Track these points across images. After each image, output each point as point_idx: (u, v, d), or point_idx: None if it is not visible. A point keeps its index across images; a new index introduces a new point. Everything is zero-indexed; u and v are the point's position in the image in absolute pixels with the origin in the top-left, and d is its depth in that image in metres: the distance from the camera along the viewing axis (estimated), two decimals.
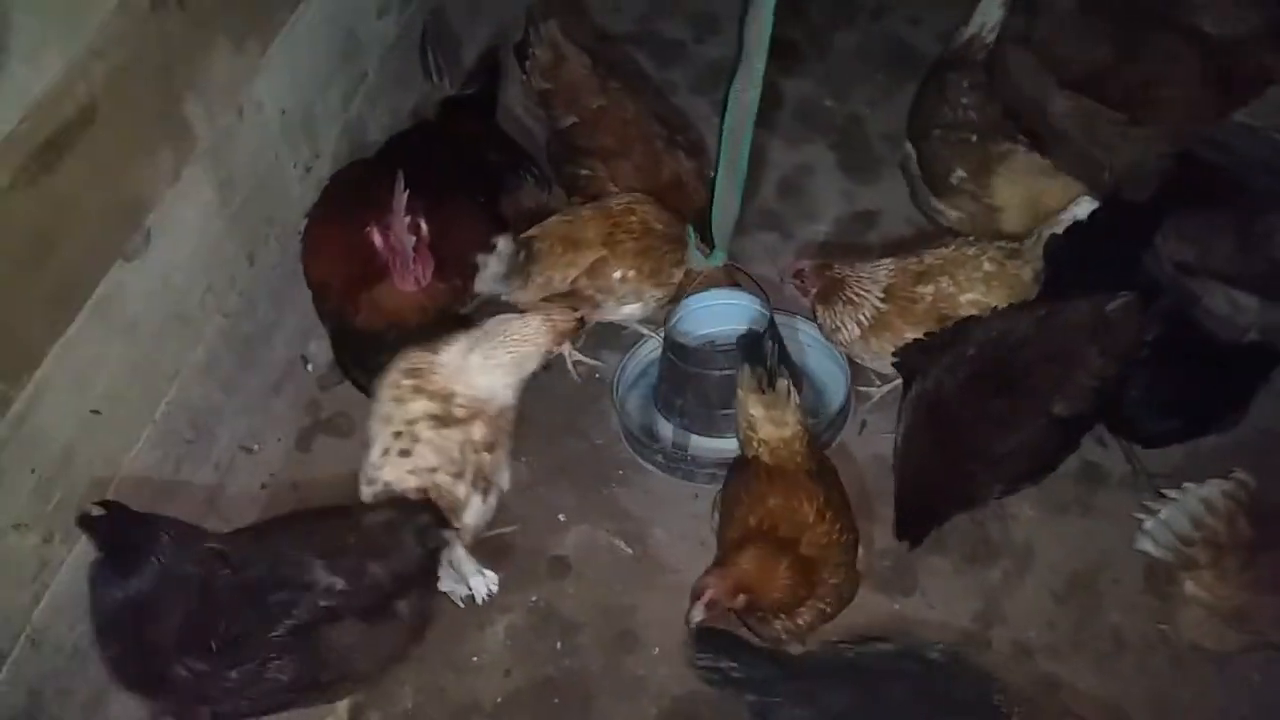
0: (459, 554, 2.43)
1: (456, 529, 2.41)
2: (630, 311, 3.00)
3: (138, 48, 2.11)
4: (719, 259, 3.05)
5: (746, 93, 2.66)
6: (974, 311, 2.74)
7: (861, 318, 2.81)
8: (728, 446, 2.76)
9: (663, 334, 2.91)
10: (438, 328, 2.62)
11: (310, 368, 2.94)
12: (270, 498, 2.76)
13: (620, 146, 3.11)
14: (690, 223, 3.03)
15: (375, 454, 2.47)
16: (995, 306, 2.71)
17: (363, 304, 2.62)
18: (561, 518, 2.75)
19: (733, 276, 3.13)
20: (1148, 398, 2.69)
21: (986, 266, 2.78)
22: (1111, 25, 2.99)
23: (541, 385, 2.94)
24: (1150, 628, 2.59)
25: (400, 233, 2.48)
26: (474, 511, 2.49)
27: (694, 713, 2.47)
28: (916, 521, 2.57)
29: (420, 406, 2.47)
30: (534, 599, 2.61)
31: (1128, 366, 2.55)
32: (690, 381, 2.82)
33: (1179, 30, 2.93)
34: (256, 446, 2.79)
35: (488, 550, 2.64)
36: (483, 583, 2.48)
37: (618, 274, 2.91)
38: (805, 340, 3.02)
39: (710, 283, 3.05)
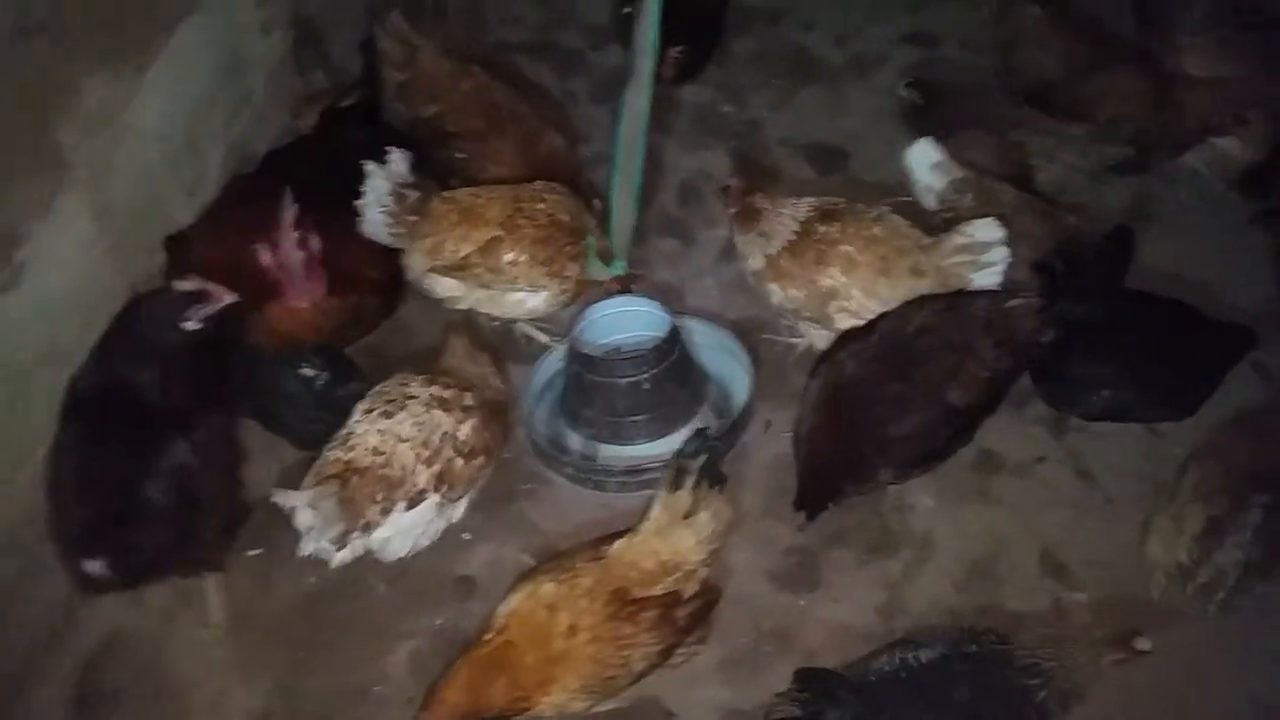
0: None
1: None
2: (520, 301, 2.96)
3: (1, 75, 2.05)
4: (619, 268, 3.06)
5: (638, 100, 2.68)
6: (842, 264, 2.79)
7: (770, 251, 2.86)
8: (638, 454, 2.81)
9: (566, 344, 2.91)
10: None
11: None
12: None
13: (492, 127, 3.10)
14: (589, 233, 3.03)
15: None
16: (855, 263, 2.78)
17: (254, 325, 2.57)
18: (466, 536, 2.72)
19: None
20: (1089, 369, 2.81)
21: (875, 230, 2.82)
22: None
23: None
24: (1048, 612, 2.67)
25: (289, 250, 2.44)
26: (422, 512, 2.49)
27: None
28: (815, 494, 2.63)
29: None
30: (438, 622, 2.58)
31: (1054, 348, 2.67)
32: (597, 391, 2.82)
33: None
34: None
35: (388, 572, 2.63)
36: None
37: (509, 256, 2.86)
38: (702, 341, 3.03)
39: (611, 291, 3.06)
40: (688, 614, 2.28)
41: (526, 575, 2.29)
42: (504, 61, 3.63)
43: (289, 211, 2.40)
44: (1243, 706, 2.46)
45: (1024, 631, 2.34)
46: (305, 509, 2.29)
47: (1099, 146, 3.31)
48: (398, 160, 2.75)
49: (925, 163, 3.03)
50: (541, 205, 2.92)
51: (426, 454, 2.46)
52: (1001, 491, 2.87)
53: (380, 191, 2.74)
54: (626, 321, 3.00)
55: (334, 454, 2.44)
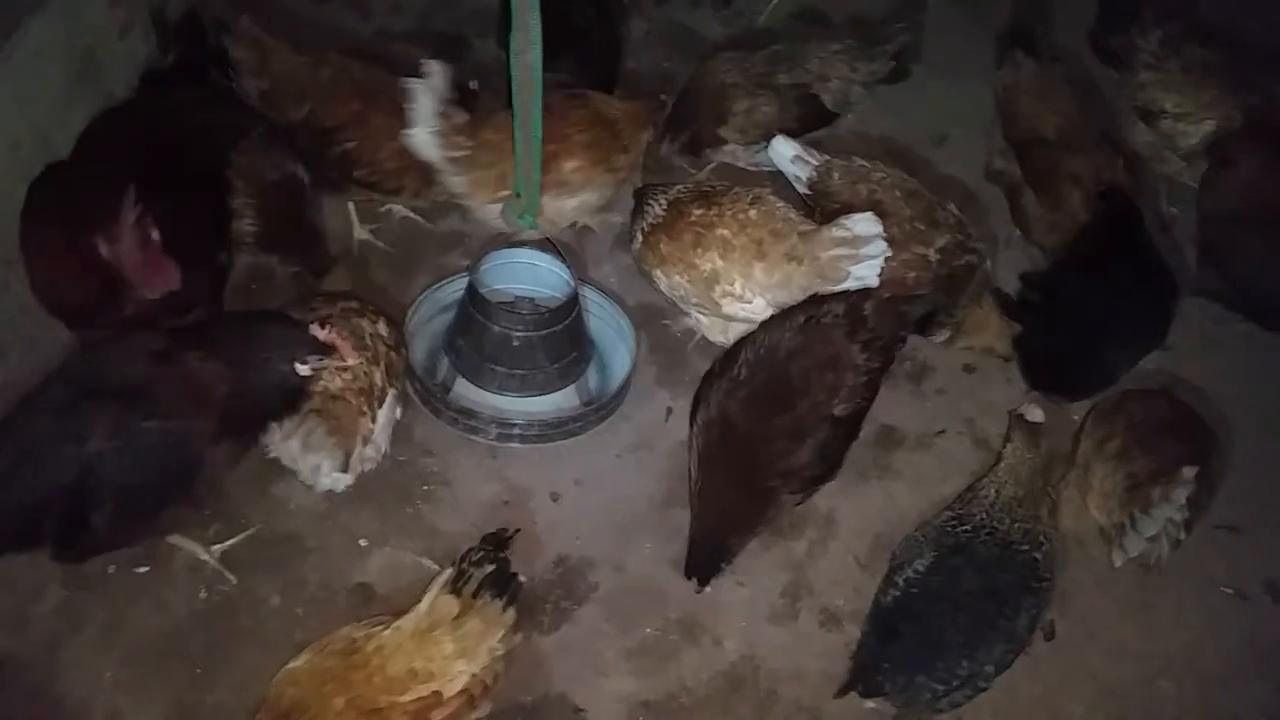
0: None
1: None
2: (582, 204, 3.07)
3: None
4: (528, 221, 2.98)
5: (527, 53, 2.58)
6: (719, 248, 2.77)
7: (645, 225, 2.86)
8: (484, 400, 2.83)
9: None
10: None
11: None
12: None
13: (368, 105, 3.00)
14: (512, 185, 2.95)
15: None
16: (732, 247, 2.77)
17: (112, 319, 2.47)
18: (363, 543, 2.66)
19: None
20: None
21: (751, 214, 2.80)
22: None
23: None
24: None
25: (131, 244, 2.32)
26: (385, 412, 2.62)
27: None
28: (709, 559, 2.57)
29: None
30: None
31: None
32: (472, 327, 2.80)
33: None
34: None
35: (282, 583, 2.56)
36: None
37: (570, 165, 2.95)
38: (591, 308, 3.02)
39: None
40: (447, 715, 2.15)
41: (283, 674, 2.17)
42: (380, 48, 3.54)
43: (128, 209, 2.26)
44: None
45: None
46: (302, 452, 2.48)
47: (867, 62, 3.41)
48: (437, 73, 2.76)
49: (785, 156, 3.03)
50: (583, 110, 2.96)
51: (371, 355, 2.62)
52: (902, 466, 2.90)
53: (427, 110, 2.77)
54: (533, 274, 2.97)
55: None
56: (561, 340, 2.81)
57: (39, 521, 2.27)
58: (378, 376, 2.62)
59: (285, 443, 2.52)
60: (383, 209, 3.22)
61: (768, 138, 3.11)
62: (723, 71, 3.31)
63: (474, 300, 2.77)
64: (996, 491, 2.57)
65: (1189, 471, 2.50)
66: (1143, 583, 2.72)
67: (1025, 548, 2.48)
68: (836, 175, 2.98)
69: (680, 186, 2.91)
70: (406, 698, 2.11)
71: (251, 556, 2.60)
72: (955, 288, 2.90)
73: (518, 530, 2.48)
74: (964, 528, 2.51)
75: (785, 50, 3.33)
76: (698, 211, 2.81)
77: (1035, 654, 2.58)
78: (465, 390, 2.88)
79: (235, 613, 2.53)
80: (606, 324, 3.03)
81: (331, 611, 2.53)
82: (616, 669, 2.53)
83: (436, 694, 2.13)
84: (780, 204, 2.85)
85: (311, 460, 2.52)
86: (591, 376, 2.97)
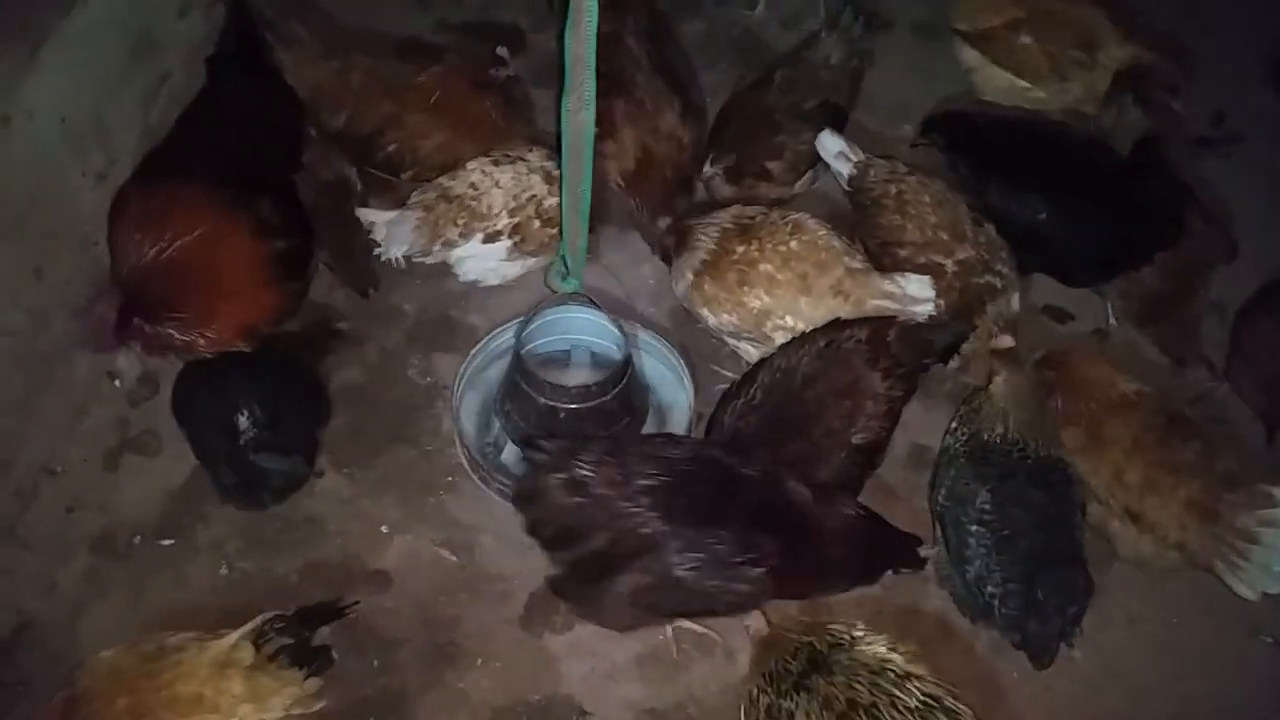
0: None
1: None
2: None
3: None
4: (572, 285, 2.93)
5: (580, 114, 2.49)
6: (764, 285, 2.71)
7: (693, 266, 2.79)
8: None
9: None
10: None
11: (119, 384, 2.81)
12: (76, 521, 2.63)
13: (400, 105, 2.99)
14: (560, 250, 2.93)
15: None
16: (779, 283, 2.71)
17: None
18: (384, 530, 2.67)
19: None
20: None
21: (792, 245, 2.74)
22: None
23: (368, 394, 2.88)
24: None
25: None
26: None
27: None
28: None
29: None
30: (350, 616, 2.52)
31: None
32: (519, 394, 2.69)
33: None
34: (60, 469, 2.68)
35: (303, 564, 2.58)
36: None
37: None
38: (650, 367, 2.92)
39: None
40: None
41: None
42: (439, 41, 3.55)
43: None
44: None
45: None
46: (380, 226, 2.85)
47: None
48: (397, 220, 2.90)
49: (831, 151, 3.02)
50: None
51: (513, 205, 2.88)
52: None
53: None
54: (586, 326, 2.87)
55: (441, 180, 2.93)
56: (611, 409, 2.66)
57: None
58: (501, 221, 2.88)
59: (385, 212, 2.88)
60: None
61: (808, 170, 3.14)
62: (774, 100, 3.20)
63: (519, 369, 2.66)
64: (1005, 420, 2.50)
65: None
66: (1174, 624, 2.63)
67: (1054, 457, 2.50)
68: (872, 174, 2.95)
69: (719, 221, 2.82)
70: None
71: (274, 536, 2.63)
72: (969, 307, 2.81)
73: (356, 603, 2.47)
74: (998, 454, 2.48)
75: (789, 73, 3.25)
76: (739, 249, 2.74)
77: (1055, 690, 2.51)
78: (512, 456, 2.76)
79: (254, 591, 2.56)
80: (664, 367, 2.93)
81: (349, 594, 2.54)
82: (626, 675, 2.51)
83: None
84: (821, 229, 2.78)
85: (380, 234, 2.86)
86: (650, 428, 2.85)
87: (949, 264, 2.82)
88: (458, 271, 2.99)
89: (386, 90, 2.99)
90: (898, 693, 2.01)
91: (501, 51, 3.11)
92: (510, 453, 2.76)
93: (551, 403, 2.61)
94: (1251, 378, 2.92)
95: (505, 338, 2.88)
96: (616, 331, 2.72)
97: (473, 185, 2.90)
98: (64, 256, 2.56)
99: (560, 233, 2.85)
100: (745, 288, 2.73)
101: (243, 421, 2.53)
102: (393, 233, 2.84)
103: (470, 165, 2.94)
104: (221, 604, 2.52)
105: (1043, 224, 2.95)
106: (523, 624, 2.56)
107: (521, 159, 2.97)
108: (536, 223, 2.92)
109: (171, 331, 2.49)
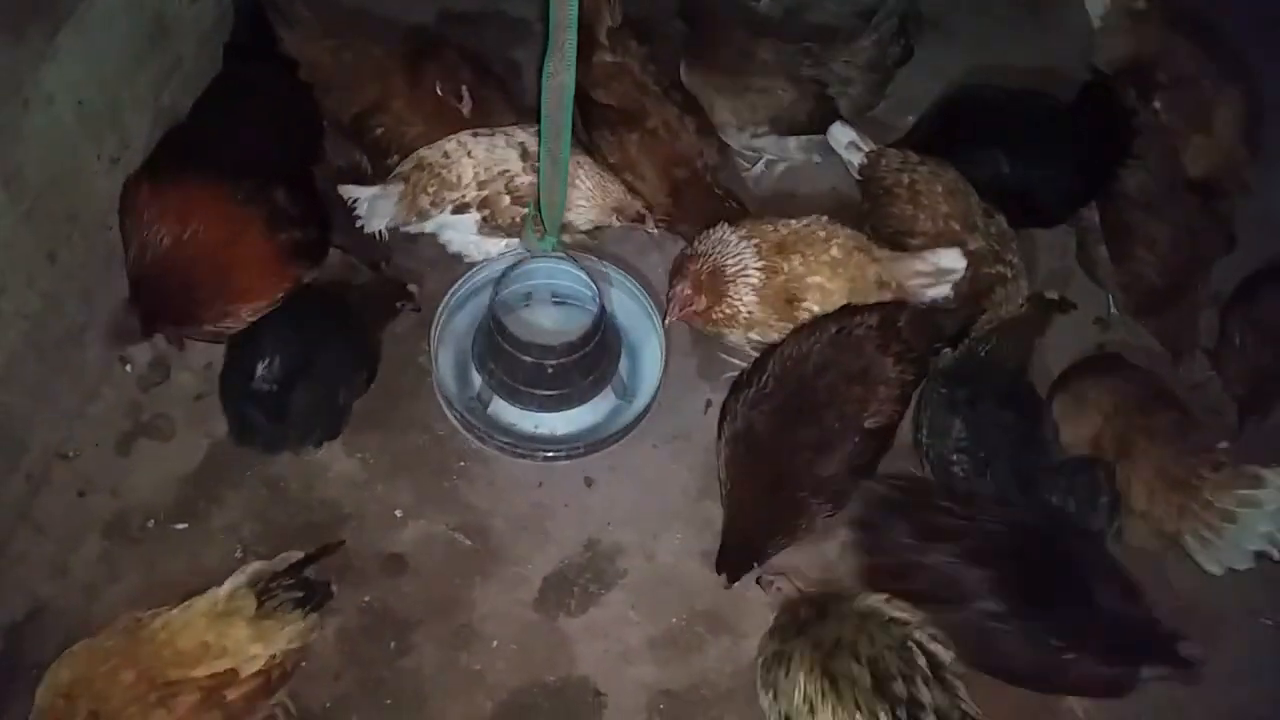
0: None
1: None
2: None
3: None
4: (550, 244, 2.93)
5: (560, 76, 2.51)
6: (818, 296, 2.71)
7: (754, 282, 2.71)
8: (525, 416, 2.83)
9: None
10: None
11: (130, 368, 2.81)
12: (89, 505, 2.64)
13: (386, 89, 2.96)
14: (529, 203, 2.91)
15: None
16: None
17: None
18: (398, 514, 2.69)
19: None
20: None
21: (834, 252, 2.75)
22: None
23: (379, 379, 2.88)
24: None
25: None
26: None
27: (532, 704, 2.46)
28: (737, 558, 2.56)
29: None
30: (366, 599, 2.55)
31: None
32: (503, 353, 2.73)
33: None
34: (73, 453, 2.68)
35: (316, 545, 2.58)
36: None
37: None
38: (622, 312, 2.97)
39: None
40: (242, 695, 2.14)
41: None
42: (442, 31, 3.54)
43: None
44: None
45: None
46: (363, 201, 2.79)
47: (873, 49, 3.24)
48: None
49: (841, 141, 3.03)
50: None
51: (483, 176, 2.82)
52: None
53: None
54: (557, 272, 2.93)
55: (420, 149, 2.87)
56: (595, 355, 2.75)
57: None
58: (470, 192, 2.82)
59: (368, 187, 2.81)
60: None
61: (769, 127, 3.13)
62: (758, 45, 3.18)
63: (501, 333, 2.69)
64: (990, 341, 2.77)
65: (1275, 476, 2.43)
66: (1173, 610, 2.67)
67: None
68: (884, 163, 2.96)
69: (744, 239, 2.75)
70: (199, 672, 2.10)
71: (288, 520, 2.64)
72: (979, 295, 2.84)
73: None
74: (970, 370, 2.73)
75: (816, 48, 3.23)
76: (785, 266, 2.71)
77: None
78: (502, 409, 2.85)
79: None
80: (632, 303, 2.98)
81: (363, 578, 2.57)
82: (640, 656, 2.54)
83: (232, 671, 2.13)
84: (844, 230, 2.80)
85: (363, 209, 2.80)
86: (623, 369, 2.93)
87: None
88: (443, 243, 2.97)
89: (374, 72, 2.96)
90: (879, 634, 2.18)
91: (465, 93, 3.02)
92: (498, 405, 2.84)
93: (540, 361, 2.68)
94: (1235, 366, 2.98)
95: (462, 290, 2.93)
96: (589, 285, 2.80)
97: (445, 154, 2.84)
98: (78, 240, 2.56)
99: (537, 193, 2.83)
100: (797, 303, 2.72)
101: (260, 369, 2.57)
102: (374, 206, 2.80)
103: (452, 136, 2.89)
104: None
105: (1008, 176, 3.00)
106: (536, 607, 2.59)
107: (503, 132, 2.90)
108: (506, 199, 2.84)
109: (194, 328, 2.56)
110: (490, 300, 2.75)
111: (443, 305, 2.87)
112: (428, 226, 2.91)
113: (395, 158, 3.01)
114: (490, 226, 2.89)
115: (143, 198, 2.52)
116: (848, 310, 2.67)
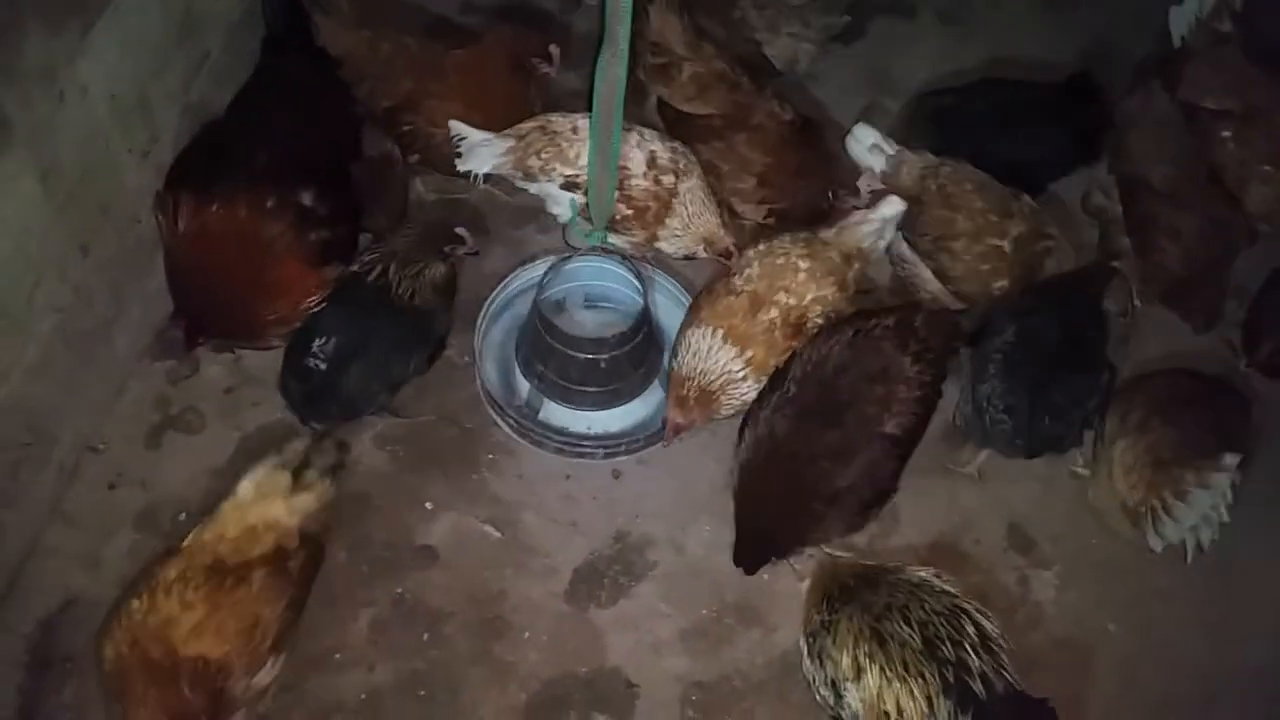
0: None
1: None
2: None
3: None
4: (598, 238, 2.95)
5: (613, 68, 2.53)
6: (819, 308, 2.70)
7: (741, 380, 2.66)
8: (578, 417, 2.83)
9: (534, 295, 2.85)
10: None
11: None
12: (119, 498, 2.64)
13: (420, 85, 2.94)
14: (572, 198, 2.91)
15: None
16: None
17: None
18: (429, 506, 2.69)
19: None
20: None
21: (802, 265, 2.72)
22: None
23: None
24: (1013, 588, 2.67)
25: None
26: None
27: (565, 695, 2.46)
28: (753, 553, 2.56)
29: None
30: (399, 590, 2.55)
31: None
32: (553, 354, 2.75)
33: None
34: (103, 446, 2.68)
35: (349, 540, 2.60)
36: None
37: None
38: (665, 304, 2.99)
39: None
40: (299, 566, 2.30)
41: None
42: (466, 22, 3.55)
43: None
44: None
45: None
46: (470, 141, 2.77)
47: (821, 16, 3.32)
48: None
49: (864, 144, 2.98)
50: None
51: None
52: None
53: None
54: (599, 274, 2.96)
55: (550, 115, 2.86)
56: (643, 346, 2.78)
57: None
58: (585, 165, 2.76)
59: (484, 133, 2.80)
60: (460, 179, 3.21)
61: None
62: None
63: (551, 332, 2.70)
64: None
65: (1231, 460, 2.46)
66: (1208, 597, 2.68)
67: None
68: (906, 169, 2.93)
69: (723, 337, 2.66)
70: (256, 552, 2.25)
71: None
72: (1033, 275, 2.87)
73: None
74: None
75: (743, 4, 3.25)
76: (772, 314, 2.67)
77: (1092, 667, 2.56)
78: (553, 413, 2.86)
79: None
80: (666, 304, 3.00)
81: (396, 570, 2.57)
82: (671, 648, 2.55)
83: (281, 547, 2.29)
84: (789, 241, 2.78)
85: (462, 149, 2.78)
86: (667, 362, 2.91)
87: (1005, 244, 2.85)
88: (549, 208, 2.96)
89: (409, 67, 2.95)
90: (929, 600, 2.25)
91: (553, 49, 3.03)
92: (549, 409, 2.85)
93: (593, 356, 2.70)
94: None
95: (499, 300, 2.94)
96: (632, 278, 2.82)
97: (574, 129, 2.81)
98: (109, 233, 2.56)
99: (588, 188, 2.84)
100: (806, 323, 2.71)
101: (315, 344, 2.62)
102: (477, 150, 2.78)
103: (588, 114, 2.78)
104: None
105: (1003, 149, 3.05)
106: (567, 598, 2.59)
107: (639, 132, 2.83)
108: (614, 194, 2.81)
109: (236, 339, 2.65)
110: (535, 301, 2.77)
111: (481, 315, 2.87)
112: (531, 188, 2.89)
113: (419, 155, 3.02)
114: (586, 214, 2.87)
115: (177, 209, 2.56)
116: (863, 314, 2.67)
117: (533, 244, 3.18)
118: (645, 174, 2.79)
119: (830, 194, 3.01)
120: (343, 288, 2.68)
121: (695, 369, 2.64)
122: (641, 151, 2.81)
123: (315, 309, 2.65)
